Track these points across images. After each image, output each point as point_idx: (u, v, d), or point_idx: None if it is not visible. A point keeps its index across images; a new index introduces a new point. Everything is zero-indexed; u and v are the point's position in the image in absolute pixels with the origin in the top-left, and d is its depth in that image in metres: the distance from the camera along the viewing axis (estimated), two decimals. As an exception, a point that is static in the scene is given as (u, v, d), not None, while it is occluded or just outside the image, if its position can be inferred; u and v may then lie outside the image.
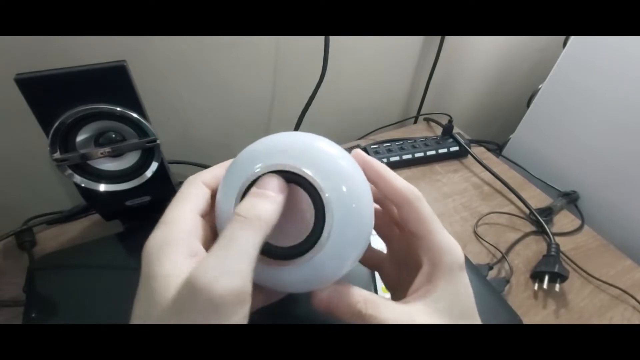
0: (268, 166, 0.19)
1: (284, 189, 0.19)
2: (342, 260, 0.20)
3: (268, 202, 0.18)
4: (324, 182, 0.19)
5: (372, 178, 0.22)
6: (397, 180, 0.22)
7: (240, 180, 0.20)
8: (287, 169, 0.19)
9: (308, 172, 0.19)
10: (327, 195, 0.19)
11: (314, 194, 0.19)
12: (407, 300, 0.21)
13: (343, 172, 0.19)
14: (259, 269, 0.17)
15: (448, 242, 0.21)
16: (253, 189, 0.19)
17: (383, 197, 0.23)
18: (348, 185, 0.19)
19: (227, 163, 0.23)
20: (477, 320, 0.21)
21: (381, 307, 0.19)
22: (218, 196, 0.21)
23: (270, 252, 0.19)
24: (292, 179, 0.19)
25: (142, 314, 0.17)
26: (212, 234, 0.21)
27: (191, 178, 0.23)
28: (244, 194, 0.19)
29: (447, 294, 0.20)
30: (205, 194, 0.22)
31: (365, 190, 0.20)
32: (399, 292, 0.23)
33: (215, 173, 0.23)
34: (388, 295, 0.39)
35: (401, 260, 0.25)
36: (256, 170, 0.19)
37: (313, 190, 0.19)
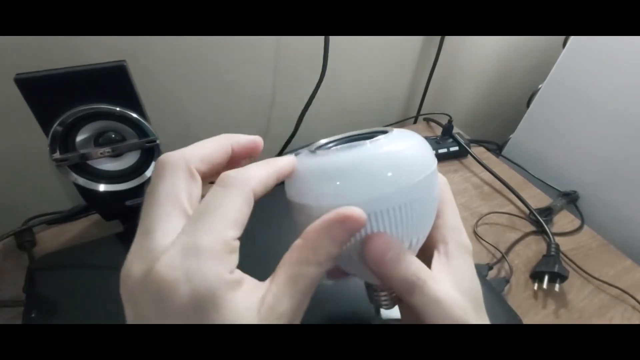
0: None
1: (359, 228, 0.17)
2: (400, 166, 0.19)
3: (340, 246, 0.17)
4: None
5: None
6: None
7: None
8: None
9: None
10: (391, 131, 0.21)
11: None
12: (437, 277, 0.20)
13: None
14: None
15: (460, 226, 0.23)
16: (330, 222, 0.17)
17: None
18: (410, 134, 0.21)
19: (222, 138, 0.20)
20: (481, 300, 0.21)
21: (432, 278, 0.19)
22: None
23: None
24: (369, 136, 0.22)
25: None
26: None
27: (172, 159, 0.17)
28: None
29: (459, 270, 0.21)
30: (197, 188, 0.17)
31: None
32: None
33: (266, 179, 0.18)
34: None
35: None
36: None
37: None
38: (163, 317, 0.14)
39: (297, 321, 0.17)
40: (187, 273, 0.14)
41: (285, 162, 0.20)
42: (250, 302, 0.15)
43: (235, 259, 0.16)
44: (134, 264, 0.15)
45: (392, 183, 0.18)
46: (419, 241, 0.21)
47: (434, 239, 0.22)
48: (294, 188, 0.20)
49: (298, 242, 0.17)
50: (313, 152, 0.20)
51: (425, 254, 0.22)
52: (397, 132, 0.21)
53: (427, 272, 0.19)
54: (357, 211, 0.17)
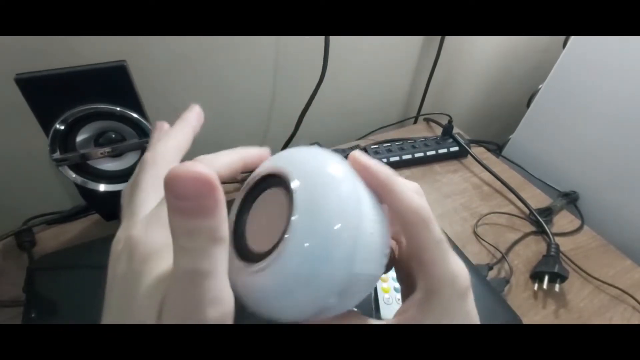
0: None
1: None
2: (311, 267, 0.15)
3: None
4: (298, 178, 0.16)
5: (374, 187, 0.18)
6: (404, 195, 0.18)
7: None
8: (267, 172, 0.18)
9: (284, 168, 0.17)
10: (294, 186, 0.16)
11: (287, 188, 0.17)
12: (392, 324, 0.19)
13: (322, 169, 0.17)
14: (235, 274, 0.16)
15: (451, 272, 0.18)
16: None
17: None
18: (319, 181, 0.16)
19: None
20: None
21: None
22: None
23: (246, 256, 0.17)
24: (275, 182, 0.18)
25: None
26: None
27: (153, 156, 0.21)
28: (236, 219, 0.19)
29: (447, 317, 0.18)
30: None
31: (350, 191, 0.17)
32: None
33: (228, 161, 0.19)
34: (387, 295, 0.39)
35: (403, 267, 0.23)
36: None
37: (286, 184, 0.17)
38: (130, 272, 0.16)
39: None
40: (149, 234, 0.16)
41: (254, 152, 0.20)
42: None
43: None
44: (119, 235, 0.18)
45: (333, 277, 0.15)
46: None
47: (414, 283, 0.19)
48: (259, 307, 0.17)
49: None
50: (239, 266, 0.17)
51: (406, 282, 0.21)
52: (302, 195, 0.16)
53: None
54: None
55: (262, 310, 0.17)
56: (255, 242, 0.17)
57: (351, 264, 0.16)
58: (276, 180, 0.18)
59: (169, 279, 0.14)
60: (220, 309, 0.14)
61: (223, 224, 0.14)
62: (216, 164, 0.19)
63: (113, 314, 0.16)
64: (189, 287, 0.13)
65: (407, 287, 0.21)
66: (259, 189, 0.19)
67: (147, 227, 0.17)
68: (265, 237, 0.17)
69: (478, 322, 0.19)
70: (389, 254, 0.19)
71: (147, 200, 0.18)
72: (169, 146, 0.22)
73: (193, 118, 0.23)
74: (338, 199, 0.16)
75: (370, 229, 0.17)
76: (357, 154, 0.19)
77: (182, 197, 0.13)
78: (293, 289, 0.15)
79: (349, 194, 0.16)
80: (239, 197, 0.20)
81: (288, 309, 0.16)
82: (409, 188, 0.19)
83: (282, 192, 0.17)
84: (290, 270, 0.15)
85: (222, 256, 0.14)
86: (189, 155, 0.58)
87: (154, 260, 0.16)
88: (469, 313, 0.19)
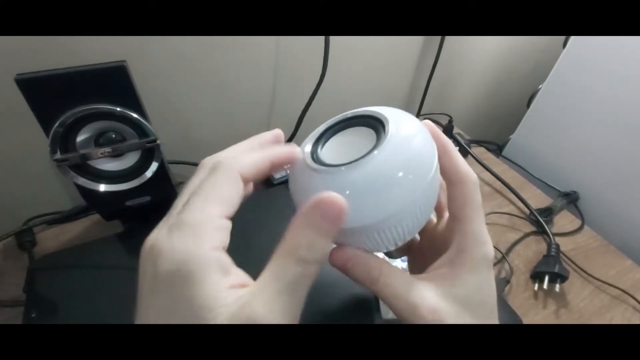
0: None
1: (340, 215, 0.16)
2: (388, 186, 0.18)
3: (327, 238, 0.16)
4: (391, 121, 0.19)
5: (438, 151, 0.21)
6: (460, 159, 0.21)
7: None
8: (360, 113, 0.21)
9: (378, 110, 0.20)
10: (388, 126, 0.19)
11: (378, 127, 0.19)
12: (422, 276, 0.20)
13: (411, 123, 0.20)
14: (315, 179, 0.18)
15: (483, 235, 0.20)
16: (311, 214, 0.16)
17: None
18: (410, 130, 0.19)
19: (261, 140, 0.21)
20: (495, 319, 0.20)
21: (395, 276, 0.19)
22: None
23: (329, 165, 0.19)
24: (362, 122, 0.21)
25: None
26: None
27: (224, 163, 0.18)
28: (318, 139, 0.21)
29: (467, 283, 0.20)
30: (240, 190, 0.18)
31: (428, 146, 0.19)
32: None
33: (255, 160, 0.19)
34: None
35: (430, 246, 0.25)
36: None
37: (379, 123, 0.19)
38: (153, 280, 0.16)
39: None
40: (172, 244, 0.15)
41: (282, 151, 0.20)
42: (226, 290, 0.15)
43: (219, 237, 0.16)
44: (147, 242, 0.17)
45: (400, 197, 0.18)
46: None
47: (449, 242, 0.21)
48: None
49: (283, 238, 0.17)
50: (314, 168, 0.19)
51: (435, 253, 0.22)
52: (395, 129, 0.19)
53: (388, 271, 0.20)
54: (331, 195, 0.16)
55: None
56: (335, 161, 0.19)
57: (423, 185, 0.18)
58: (364, 121, 0.21)
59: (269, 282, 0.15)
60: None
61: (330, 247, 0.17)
62: (244, 165, 0.18)
63: (158, 314, 0.16)
64: (296, 289, 0.15)
65: (432, 255, 0.23)
66: (342, 126, 0.22)
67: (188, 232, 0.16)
68: (347, 157, 0.19)
69: (495, 297, 0.21)
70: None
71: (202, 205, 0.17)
72: (246, 162, 0.19)
73: (284, 150, 0.21)
74: (423, 142, 0.19)
75: (435, 172, 0.19)
76: (429, 122, 0.22)
77: (327, 219, 0.16)
78: (382, 182, 0.18)
79: (429, 141, 0.20)
80: (316, 131, 0.22)
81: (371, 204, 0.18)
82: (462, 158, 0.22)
83: (369, 131, 0.20)
84: (380, 166, 0.18)
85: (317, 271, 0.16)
86: (196, 155, 0.57)
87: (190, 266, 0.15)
88: (493, 286, 0.21)
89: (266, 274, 0.16)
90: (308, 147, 0.21)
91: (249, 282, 0.16)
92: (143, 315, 0.16)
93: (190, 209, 0.16)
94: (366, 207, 0.18)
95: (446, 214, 0.25)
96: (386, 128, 0.19)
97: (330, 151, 0.21)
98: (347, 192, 0.17)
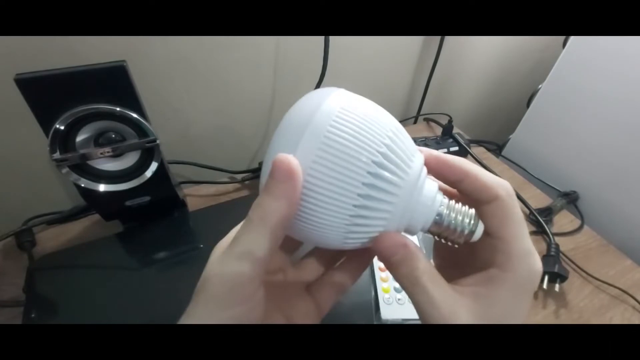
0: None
1: (295, 173, 0.16)
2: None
3: (275, 199, 0.16)
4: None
5: (456, 176, 0.19)
6: (485, 175, 0.19)
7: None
8: None
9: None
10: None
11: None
12: (458, 289, 0.19)
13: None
14: None
15: (529, 252, 0.18)
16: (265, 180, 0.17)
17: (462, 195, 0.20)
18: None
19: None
20: None
21: (438, 284, 0.18)
22: None
23: None
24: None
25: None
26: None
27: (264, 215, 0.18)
28: None
29: (506, 305, 0.18)
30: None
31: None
32: (445, 268, 0.21)
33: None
34: (387, 295, 0.39)
35: (453, 258, 0.23)
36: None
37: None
38: (206, 302, 0.17)
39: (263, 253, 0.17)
40: (219, 270, 0.17)
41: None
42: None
43: (252, 267, 0.17)
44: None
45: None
46: None
47: (487, 260, 0.19)
48: None
49: None
50: None
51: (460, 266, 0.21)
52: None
53: (431, 277, 0.18)
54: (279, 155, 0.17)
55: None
56: None
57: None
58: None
59: None
60: None
61: None
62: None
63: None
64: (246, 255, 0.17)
65: (460, 266, 0.21)
66: None
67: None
68: None
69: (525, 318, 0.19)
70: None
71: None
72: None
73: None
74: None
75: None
76: (428, 150, 0.20)
77: (275, 177, 0.17)
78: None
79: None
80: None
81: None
82: (487, 171, 0.19)
83: None
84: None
85: None
86: (197, 155, 0.57)
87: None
88: (529, 304, 0.19)
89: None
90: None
91: None
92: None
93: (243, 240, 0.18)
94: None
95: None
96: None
97: None
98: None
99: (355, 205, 0.17)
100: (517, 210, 0.19)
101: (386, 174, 0.17)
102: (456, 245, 0.20)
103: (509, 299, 0.18)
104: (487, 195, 0.19)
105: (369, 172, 0.17)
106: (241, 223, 0.18)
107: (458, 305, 0.18)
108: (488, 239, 0.19)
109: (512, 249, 0.18)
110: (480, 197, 0.19)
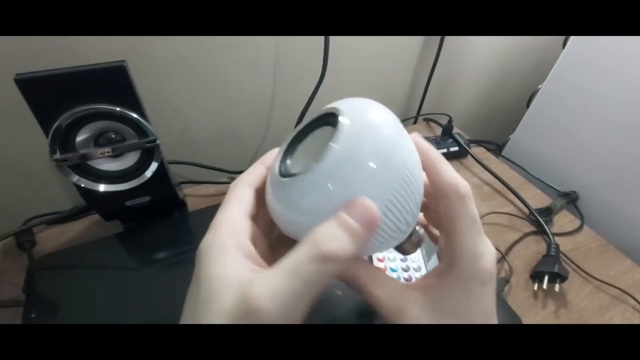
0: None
1: (374, 221, 0.16)
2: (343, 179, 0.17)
3: (351, 238, 0.16)
4: (348, 116, 0.18)
5: (425, 166, 0.20)
6: (445, 171, 0.20)
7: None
8: (325, 112, 0.20)
9: (341, 108, 0.18)
10: (342, 120, 0.18)
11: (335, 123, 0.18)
12: (410, 284, 0.20)
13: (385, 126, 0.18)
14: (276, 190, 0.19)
15: (477, 250, 0.19)
16: (341, 214, 0.16)
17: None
18: (365, 118, 0.18)
19: (267, 158, 0.22)
20: None
21: (378, 284, 0.20)
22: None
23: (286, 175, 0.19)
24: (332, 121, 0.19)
25: (192, 314, 0.17)
26: (261, 236, 0.21)
27: (234, 182, 0.22)
28: (287, 148, 0.21)
29: (454, 298, 0.19)
30: (250, 195, 0.21)
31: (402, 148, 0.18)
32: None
33: (257, 172, 0.22)
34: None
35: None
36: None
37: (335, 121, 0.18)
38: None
39: (279, 320, 0.15)
40: (200, 243, 0.18)
41: (271, 157, 0.22)
42: (240, 262, 0.17)
43: (236, 228, 0.19)
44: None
45: (379, 172, 0.17)
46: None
47: (445, 259, 0.20)
48: (287, 228, 0.20)
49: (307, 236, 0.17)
50: (281, 182, 0.19)
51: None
52: (347, 121, 0.18)
53: (373, 280, 0.20)
54: (365, 199, 0.16)
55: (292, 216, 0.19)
56: (297, 167, 0.20)
57: (392, 170, 0.17)
58: (325, 120, 0.20)
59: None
60: None
61: None
62: (249, 175, 0.22)
63: (188, 298, 0.18)
64: (306, 283, 0.16)
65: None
66: (310, 128, 0.21)
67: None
68: (306, 164, 0.18)
69: (493, 320, 0.19)
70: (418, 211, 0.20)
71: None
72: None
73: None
74: (381, 126, 0.18)
75: (409, 158, 0.18)
76: (415, 134, 0.21)
77: (359, 219, 0.16)
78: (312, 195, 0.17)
79: (395, 128, 0.18)
80: (290, 135, 0.22)
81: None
82: (452, 169, 0.20)
83: (331, 129, 0.19)
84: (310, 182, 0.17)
85: None
86: (197, 155, 0.58)
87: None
88: (485, 303, 0.19)
89: (284, 261, 0.16)
90: (277, 161, 0.20)
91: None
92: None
93: (215, 216, 0.20)
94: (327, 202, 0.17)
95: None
96: (338, 123, 0.18)
97: (298, 160, 0.21)
98: (316, 194, 0.17)
99: None
100: (468, 211, 0.19)
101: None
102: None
103: (456, 293, 0.19)
104: (443, 191, 0.20)
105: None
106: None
107: (406, 301, 0.19)
108: (442, 236, 0.21)
109: (457, 245, 0.19)
110: (438, 192, 0.20)
